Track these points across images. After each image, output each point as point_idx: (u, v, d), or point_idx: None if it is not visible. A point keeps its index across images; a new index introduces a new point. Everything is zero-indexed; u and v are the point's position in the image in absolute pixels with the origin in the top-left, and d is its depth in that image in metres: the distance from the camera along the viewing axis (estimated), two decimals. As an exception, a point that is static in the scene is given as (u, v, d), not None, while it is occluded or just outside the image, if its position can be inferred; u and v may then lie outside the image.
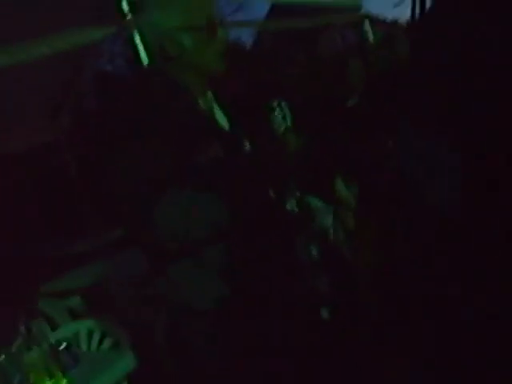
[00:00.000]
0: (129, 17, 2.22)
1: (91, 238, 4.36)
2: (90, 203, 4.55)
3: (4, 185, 8.38)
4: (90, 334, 2.45)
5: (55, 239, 5.71)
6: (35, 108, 4.22)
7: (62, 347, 1.80)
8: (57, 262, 4.68)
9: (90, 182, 4.73)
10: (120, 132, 1.50)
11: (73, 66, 4.21)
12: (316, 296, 2.26)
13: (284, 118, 1.41)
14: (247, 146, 1.44)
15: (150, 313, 1.86)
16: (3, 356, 1.67)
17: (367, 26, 3.93)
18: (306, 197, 3.85)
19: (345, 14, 4.03)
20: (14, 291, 3.50)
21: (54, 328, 2.94)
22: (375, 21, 4.83)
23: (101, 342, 2.38)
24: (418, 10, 1.41)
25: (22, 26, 2.01)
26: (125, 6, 2.19)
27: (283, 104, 1.39)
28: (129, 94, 1.59)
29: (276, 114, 1.40)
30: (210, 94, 1.68)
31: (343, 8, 4.00)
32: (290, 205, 3.70)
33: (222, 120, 1.69)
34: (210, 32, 1.56)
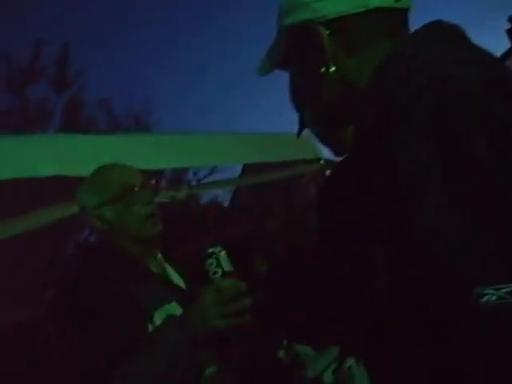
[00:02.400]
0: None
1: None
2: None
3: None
4: None
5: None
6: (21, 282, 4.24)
7: None
8: None
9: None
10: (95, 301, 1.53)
11: (55, 239, 4.31)
12: None
13: (218, 264, 1.43)
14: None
15: None
16: None
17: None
18: (293, 345, 3.81)
19: (309, 165, 4.28)
20: None
21: None
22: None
23: None
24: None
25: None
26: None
27: (217, 250, 1.43)
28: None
29: (210, 261, 1.43)
30: (159, 256, 1.77)
31: (307, 161, 4.27)
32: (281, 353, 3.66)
33: (175, 277, 1.76)
34: (129, 200, 1.65)
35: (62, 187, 2.28)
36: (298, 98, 1.04)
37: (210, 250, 1.40)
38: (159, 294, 1.58)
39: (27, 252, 3.59)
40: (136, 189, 1.65)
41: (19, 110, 13.26)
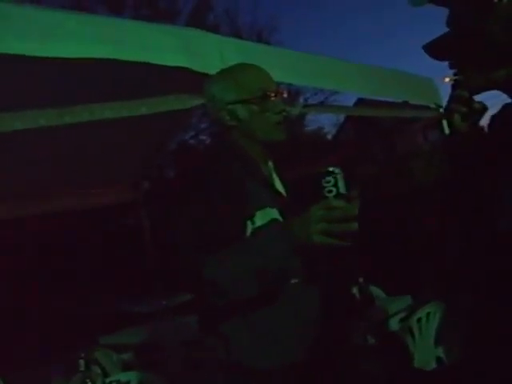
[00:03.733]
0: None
1: (154, 299, 4.48)
2: (158, 265, 4.70)
3: (80, 236, 8.72)
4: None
5: (121, 297, 5.91)
6: (118, 167, 4.48)
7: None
8: (118, 318, 4.84)
9: (159, 243, 4.90)
10: (188, 195, 1.61)
11: (160, 136, 4.48)
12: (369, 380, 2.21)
13: (335, 184, 1.44)
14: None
15: (204, 375, 1.85)
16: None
17: (446, 124, 4.00)
18: (367, 285, 3.84)
19: (426, 111, 4.12)
20: (77, 340, 3.64)
21: (106, 376, 3.02)
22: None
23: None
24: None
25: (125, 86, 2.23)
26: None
27: (337, 171, 1.43)
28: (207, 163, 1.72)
29: (328, 179, 1.43)
30: (270, 164, 1.80)
31: (424, 106, 4.11)
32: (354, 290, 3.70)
33: (280, 187, 1.80)
34: (264, 103, 1.69)
35: (186, 79, 2.34)
36: (458, 29, 0.99)
37: (331, 169, 1.41)
38: (265, 197, 1.63)
39: (133, 136, 3.77)
40: (272, 95, 1.69)
41: (148, 4, 13.51)
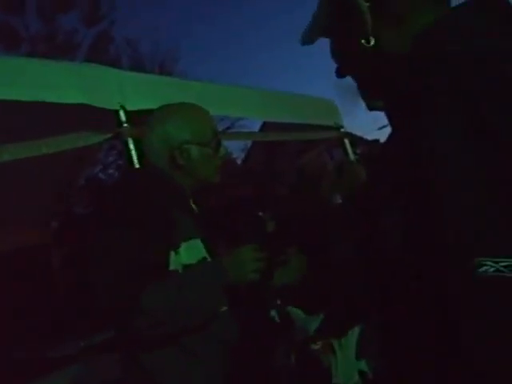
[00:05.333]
0: (125, 126, 2.40)
1: (72, 341, 4.32)
2: (74, 305, 4.54)
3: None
4: None
5: (34, 341, 5.62)
6: (28, 208, 4.32)
7: None
8: (34, 365, 4.60)
9: (74, 281, 4.74)
10: (109, 230, 1.57)
11: (68, 173, 4.37)
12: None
13: (263, 226, 1.60)
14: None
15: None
16: None
17: (347, 144, 4.20)
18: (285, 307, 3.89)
19: (328, 132, 4.27)
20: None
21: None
22: (356, 140, 5.14)
23: None
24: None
25: (22, 127, 2.16)
26: (122, 116, 2.39)
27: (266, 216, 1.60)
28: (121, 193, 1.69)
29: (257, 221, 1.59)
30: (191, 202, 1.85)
31: (326, 127, 4.26)
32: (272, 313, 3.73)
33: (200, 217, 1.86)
34: (215, 147, 1.77)
35: (85, 116, 2.31)
36: (339, 66, 1.05)
37: (260, 214, 1.61)
38: (190, 228, 1.67)
39: (42, 176, 3.65)
40: (219, 138, 1.80)
41: (48, 38, 13.21)
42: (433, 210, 0.74)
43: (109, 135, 2.38)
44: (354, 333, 3.53)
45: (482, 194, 0.71)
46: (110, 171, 13.79)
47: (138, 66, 15.00)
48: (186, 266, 1.59)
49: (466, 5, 0.91)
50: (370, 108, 1.12)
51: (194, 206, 1.80)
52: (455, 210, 0.73)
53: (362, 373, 3.52)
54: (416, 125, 0.79)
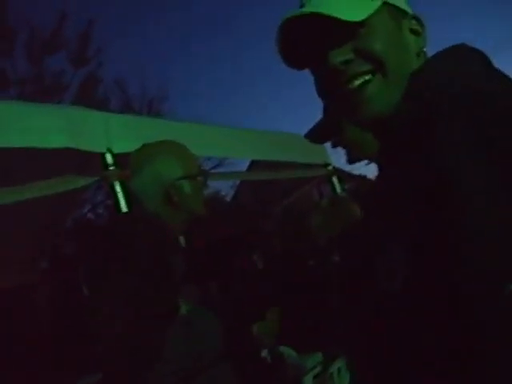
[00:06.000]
0: (111, 169, 2.40)
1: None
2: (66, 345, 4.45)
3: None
4: None
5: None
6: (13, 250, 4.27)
7: None
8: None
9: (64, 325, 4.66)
10: (96, 275, 1.55)
11: (55, 214, 4.34)
12: None
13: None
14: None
15: None
16: None
17: (335, 180, 4.22)
18: (277, 346, 3.83)
19: (316, 169, 4.29)
20: None
21: None
22: (344, 176, 5.17)
23: None
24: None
25: (6, 172, 2.15)
26: (108, 159, 2.38)
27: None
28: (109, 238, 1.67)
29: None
30: (182, 238, 1.83)
31: (314, 164, 4.28)
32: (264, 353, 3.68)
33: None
34: (202, 178, 1.81)
35: (71, 160, 2.30)
36: (327, 114, 1.06)
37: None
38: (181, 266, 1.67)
39: (28, 219, 3.62)
40: (203, 169, 1.82)
41: (35, 80, 13.26)
42: (451, 242, 0.71)
43: (95, 178, 2.37)
44: (346, 372, 3.49)
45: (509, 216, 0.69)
46: (99, 211, 13.71)
47: (126, 106, 15.08)
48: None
49: (447, 52, 0.92)
50: (350, 162, 1.13)
51: (183, 242, 1.82)
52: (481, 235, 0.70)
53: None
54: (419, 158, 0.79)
